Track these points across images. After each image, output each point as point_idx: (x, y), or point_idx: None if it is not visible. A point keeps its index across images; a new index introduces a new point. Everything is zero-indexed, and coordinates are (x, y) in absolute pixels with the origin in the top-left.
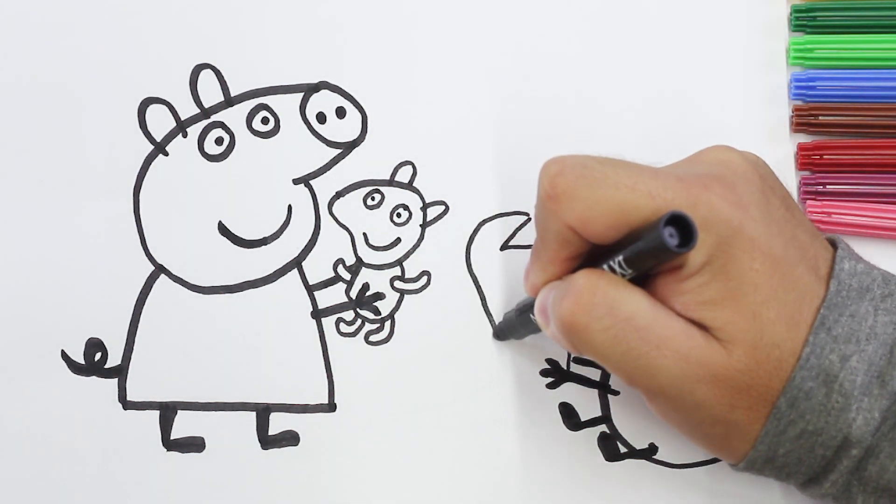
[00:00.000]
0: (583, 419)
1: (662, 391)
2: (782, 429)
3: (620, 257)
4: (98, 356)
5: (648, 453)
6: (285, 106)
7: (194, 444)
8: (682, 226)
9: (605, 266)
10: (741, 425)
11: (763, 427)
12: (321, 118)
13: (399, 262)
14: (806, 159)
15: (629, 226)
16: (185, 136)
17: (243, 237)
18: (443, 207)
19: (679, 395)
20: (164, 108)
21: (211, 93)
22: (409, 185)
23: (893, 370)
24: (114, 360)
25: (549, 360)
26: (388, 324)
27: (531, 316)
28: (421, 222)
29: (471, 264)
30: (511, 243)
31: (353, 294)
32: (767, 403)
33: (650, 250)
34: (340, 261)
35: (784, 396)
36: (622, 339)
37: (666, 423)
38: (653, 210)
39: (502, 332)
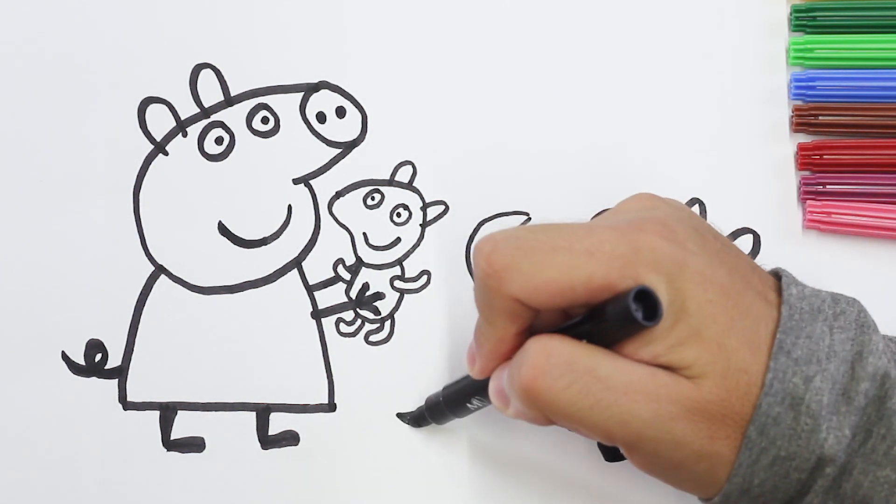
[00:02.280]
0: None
1: (640, 437)
2: (755, 458)
3: (584, 339)
4: (98, 357)
5: None
6: (285, 106)
7: (194, 444)
8: (642, 298)
9: None
10: (724, 456)
11: (736, 458)
12: (321, 118)
13: (399, 262)
14: (806, 159)
15: (573, 287)
16: (185, 135)
17: (243, 237)
18: (443, 207)
19: (657, 437)
20: (164, 107)
21: (211, 92)
22: (409, 185)
23: (857, 385)
24: (114, 360)
25: None
26: (388, 324)
27: (471, 403)
28: (421, 222)
29: (471, 264)
30: None
31: (353, 294)
32: (743, 433)
33: (617, 326)
34: (340, 261)
35: (753, 424)
36: (587, 392)
37: None
38: (595, 267)
39: (422, 419)
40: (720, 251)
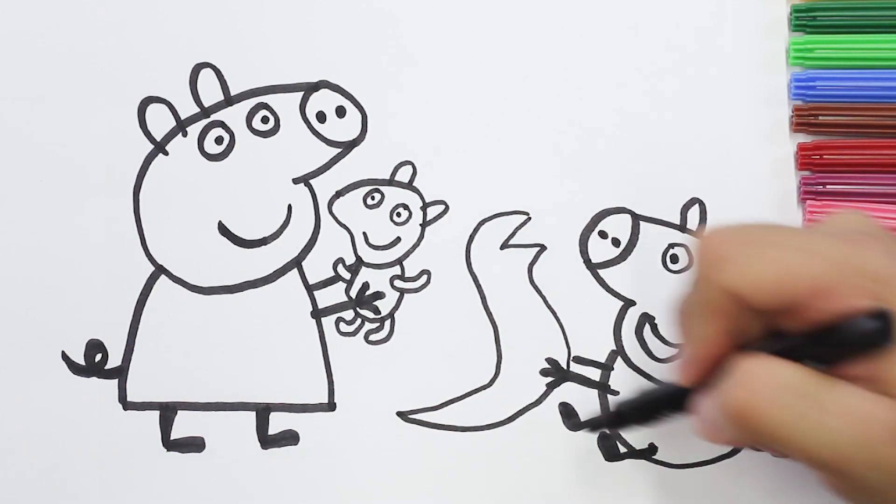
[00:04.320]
0: (583, 419)
1: (849, 461)
2: None
3: (805, 357)
4: (98, 357)
5: (648, 453)
6: (285, 105)
7: (194, 444)
8: (876, 318)
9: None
10: None
11: None
12: (321, 117)
13: (399, 262)
14: (806, 159)
15: (794, 287)
16: (185, 135)
17: (243, 237)
18: (443, 207)
19: (864, 461)
20: (164, 107)
21: (211, 92)
22: (409, 185)
23: None
24: (114, 360)
25: (549, 360)
26: (387, 323)
27: (664, 415)
28: (421, 222)
29: (471, 263)
30: (511, 243)
31: (353, 293)
32: None
33: (851, 347)
34: (340, 260)
35: None
36: (801, 416)
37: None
38: (823, 269)
39: (597, 425)
40: None
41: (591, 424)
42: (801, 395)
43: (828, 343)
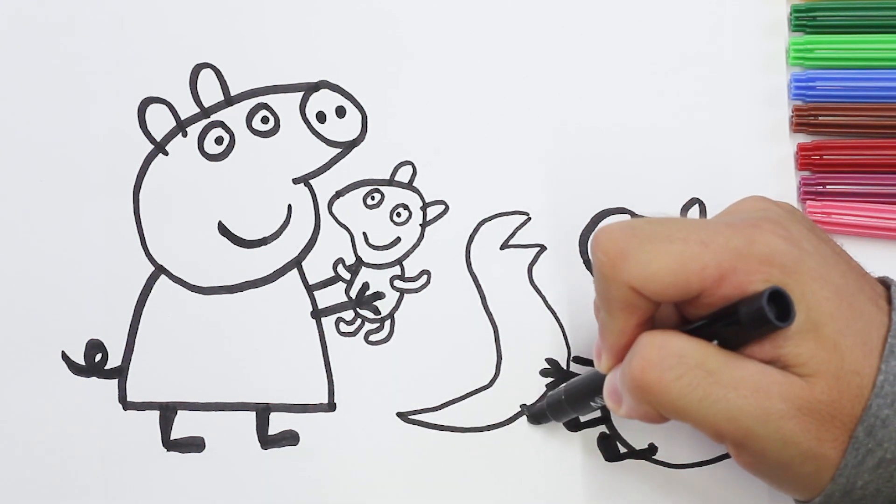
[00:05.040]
0: (582, 420)
1: (748, 434)
2: (860, 459)
3: (714, 341)
4: (98, 357)
5: (648, 453)
6: (285, 105)
7: (194, 444)
8: (773, 299)
9: None
10: (830, 459)
11: (842, 459)
12: (321, 117)
13: (399, 262)
14: (806, 159)
15: (687, 277)
16: (184, 135)
17: (243, 237)
18: (443, 207)
19: (766, 435)
20: (164, 107)
21: (211, 92)
22: (409, 185)
23: None
24: (114, 360)
25: (549, 360)
26: (387, 323)
27: (594, 401)
28: (421, 222)
29: (471, 263)
30: (511, 243)
31: (353, 294)
32: (850, 434)
33: (750, 327)
34: (340, 260)
35: (861, 425)
36: (696, 385)
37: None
38: (709, 258)
39: (542, 417)
40: (833, 253)
41: (528, 414)
42: (697, 366)
43: (728, 325)
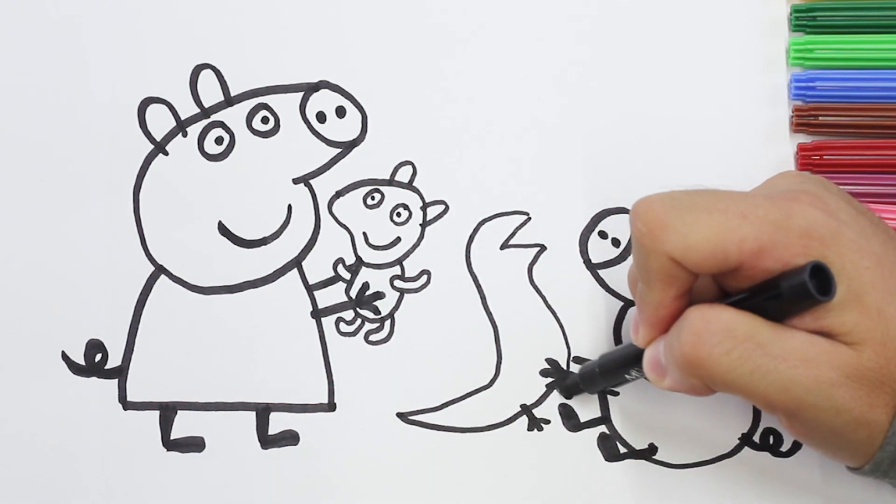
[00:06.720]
0: (582, 420)
1: (801, 404)
2: None
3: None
4: (98, 357)
5: (648, 453)
6: (285, 105)
7: (194, 444)
8: (815, 273)
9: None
10: (881, 424)
11: (890, 426)
12: (321, 117)
13: (399, 262)
14: (806, 159)
15: (726, 249)
16: (185, 135)
17: (243, 237)
18: (443, 207)
19: (818, 404)
20: (164, 107)
21: (211, 92)
22: (409, 185)
23: None
24: (114, 360)
25: (549, 360)
26: (387, 323)
27: (629, 374)
28: (421, 222)
29: (471, 263)
30: (511, 243)
31: (353, 293)
32: None
33: (792, 301)
34: (340, 260)
35: None
36: (747, 358)
37: (667, 424)
38: (748, 230)
39: (574, 389)
40: (871, 224)
41: (561, 387)
42: (747, 339)
43: (769, 299)
